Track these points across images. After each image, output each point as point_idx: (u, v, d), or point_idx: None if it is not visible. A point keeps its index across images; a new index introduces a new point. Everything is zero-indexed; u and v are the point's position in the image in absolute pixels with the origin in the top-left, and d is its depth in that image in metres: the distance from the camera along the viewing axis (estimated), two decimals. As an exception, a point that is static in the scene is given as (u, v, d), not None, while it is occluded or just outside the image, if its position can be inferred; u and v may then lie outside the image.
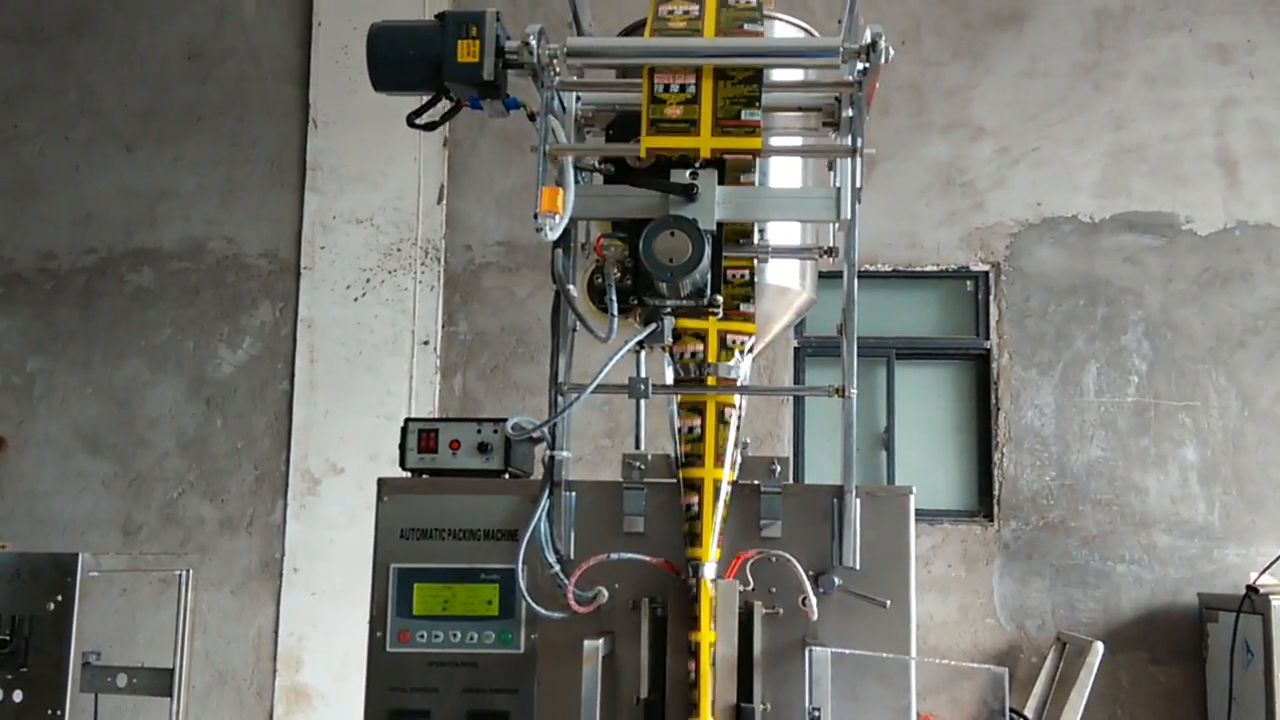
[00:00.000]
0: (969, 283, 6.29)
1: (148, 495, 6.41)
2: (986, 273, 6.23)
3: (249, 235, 6.53)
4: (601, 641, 2.31)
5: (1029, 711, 5.69)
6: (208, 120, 6.64)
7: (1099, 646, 5.25)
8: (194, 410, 6.43)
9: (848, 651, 2.31)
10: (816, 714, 2.22)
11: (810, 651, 2.27)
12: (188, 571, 5.60)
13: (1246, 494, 5.97)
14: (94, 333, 6.52)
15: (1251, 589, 5.32)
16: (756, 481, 2.49)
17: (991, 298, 6.20)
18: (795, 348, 6.26)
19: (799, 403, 6.23)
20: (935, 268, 6.26)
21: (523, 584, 2.42)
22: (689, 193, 2.21)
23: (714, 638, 2.32)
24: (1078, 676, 5.31)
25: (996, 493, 6.09)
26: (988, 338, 6.18)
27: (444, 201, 6.47)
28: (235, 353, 6.45)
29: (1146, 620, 5.94)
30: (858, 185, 2.29)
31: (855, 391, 2.39)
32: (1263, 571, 5.39)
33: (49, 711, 4.90)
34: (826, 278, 2.91)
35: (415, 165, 6.46)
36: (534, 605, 2.41)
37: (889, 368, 6.18)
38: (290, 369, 6.39)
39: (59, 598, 4.97)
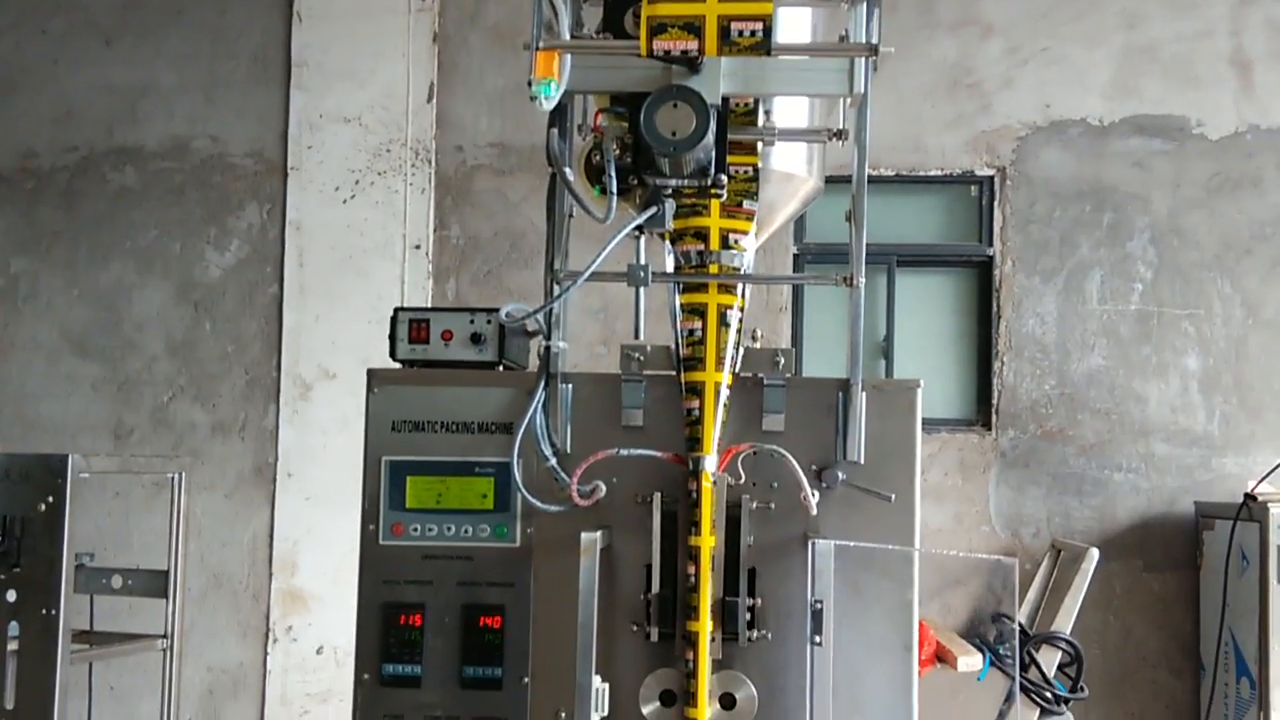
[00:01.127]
0: (973, 188, 6.16)
1: (138, 399, 6.34)
2: (992, 178, 6.10)
3: (234, 134, 6.37)
4: (600, 534, 2.26)
5: (1021, 618, 5.70)
6: (189, 13, 6.43)
7: (1094, 553, 5.24)
8: (182, 314, 6.33)
9: (851, 544, 2.26)
10: (819, 606, 2.17)
11: (813, 544, 2.22)
12: (180, 474, 5.55)
13: (1247, 403, 5.93)
14: (78, 234, 6.39)
15: (1249, 497, 5.30)
16: (760, 374, 2.41)
17: (996, 203, 6.08)
18: (794, 254, 6.16)
19: (798, 312, 6.15)
20: (939, 172, 6.13)
21: (518, 477, 2.36)
22: (693, 63, 2.09)
23: (714, 541, 2.27)
24: (1071, 582, 5.31)
25: (995, 401, 6.04)
26: (991, 244, 6.08)
27: (434, 100, 6.30)
28: (223, 255, 6.33)
29: (1142, 528, 5.93)
30: (874, 39, 2.18)
31: (864, 280, 2.30)
32: (1261, 480, 5.36)
33: (43, 611, 4.88)
34: (833, 182, 2.80)
35: (404, 61, 6.27)
36: (530, 499, 2.35)
37: (889, 275, 6.09)
38: (279, 272, 6.27)
39: (50, 499, 4.93)
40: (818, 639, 2.17)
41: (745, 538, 2.33)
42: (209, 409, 6.29)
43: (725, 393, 2.33)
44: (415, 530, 2.44)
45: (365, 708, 2.42)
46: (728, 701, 2.33)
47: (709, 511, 2.25)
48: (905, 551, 2.29)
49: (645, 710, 2.34)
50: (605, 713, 2.21)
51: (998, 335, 6.04)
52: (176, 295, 6.35)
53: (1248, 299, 5.94)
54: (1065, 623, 5.27)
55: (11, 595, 4.92)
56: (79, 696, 5.77)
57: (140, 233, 6.37)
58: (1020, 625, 5.52)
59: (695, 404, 2.28)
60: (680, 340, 2.35)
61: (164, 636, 5.47)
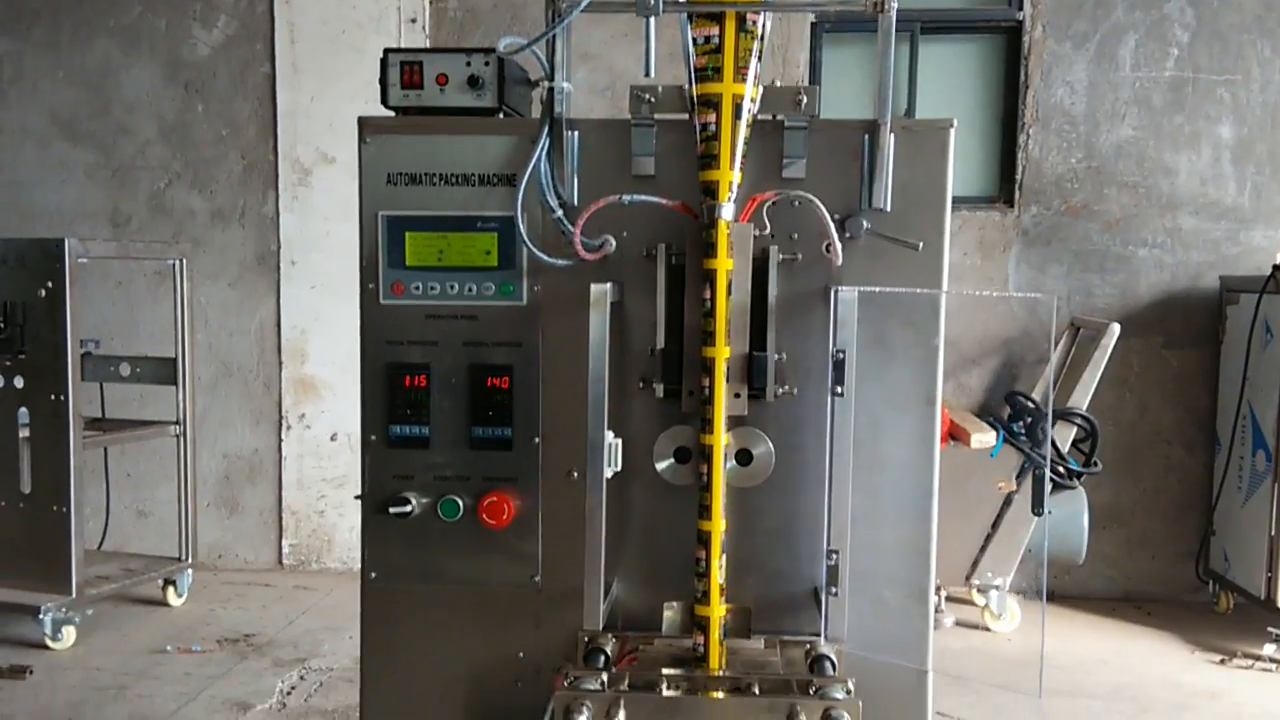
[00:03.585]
0: (1003, -54, 5.80)
1: (133, 186, 6.17)
2: (1022, -66, 5.72)
3: (216, -102, 5.98)
4: (609, 287, 2.13)
5: (1036, 395, 5.67)
6: None
7: (1115, 327, 5.15)
8: (172, 95, 6.09)
9: (876, 289, 2.14)
10: (840, 356, 2.07)
11: (836, 292, 2.09)
12: (181, 261, 5.45)
13: (1280, 174, 5.72)
14: (59, 11, 6.09)
15: (1278, 268, 5.16)
16: (780, 116, 2.23)
17: (1027, -38, 5.73)
18: (812, 23, 5.86)
19: (814, 68, 5.91)
20: (966, -70, 5.75)
21: (523, 231, 2.22)
22: None
23: (730, 265, 2.13)
24: (1090, 359, 5.24)
25: (1019, 177, 5.84)
26: (1021, 8, 5.75)
27: None
28: (210, 32, 6.03)
29: (1164, 304, 5.82)
30: None
31: (896, 4, 2.10)
32: (1291, 251, 5.22)
33: (52, 397, 4.87)
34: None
35: None
36: (536, 252, 2.22)
37: (913, 42, 5.79)
38: (270, 50, 5.99)
39: (49, 284, 4.85)
40: (839, 390, 2.07)
41: (772, 291, 2.21)
42: (207, 195, 6.13)
43: (750, 108, 2.13)
44: (417, 289, 2.33)
45: (374, 469, 2.37)
46: (744, 458, 2.26)
47: (724, 246, 2.10)
48: (932, 296, 2.17)
49: (660, 467, 2.28)
50: (618, 468, 2.14)
51: (1024, 106, 5.78)
52: (165, 76, 6.09)
53: (1288, 63, 5.65)
54: (1082, 399, 5.23)
55: (19, 381, 4.90)
56: (96, 483, 5.84)
57: (123, 10, 6.06)
58: (1035, 402, 5.48)
59: (711, 118, 2.11)
60: (694, 49, 2.12)
61: (176, 423, 5.49)
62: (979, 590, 5.45)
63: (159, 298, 6.08)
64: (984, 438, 5.04)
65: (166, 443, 5.68)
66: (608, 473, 2.09)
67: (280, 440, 6.23)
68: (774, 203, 2.21)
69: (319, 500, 6.27)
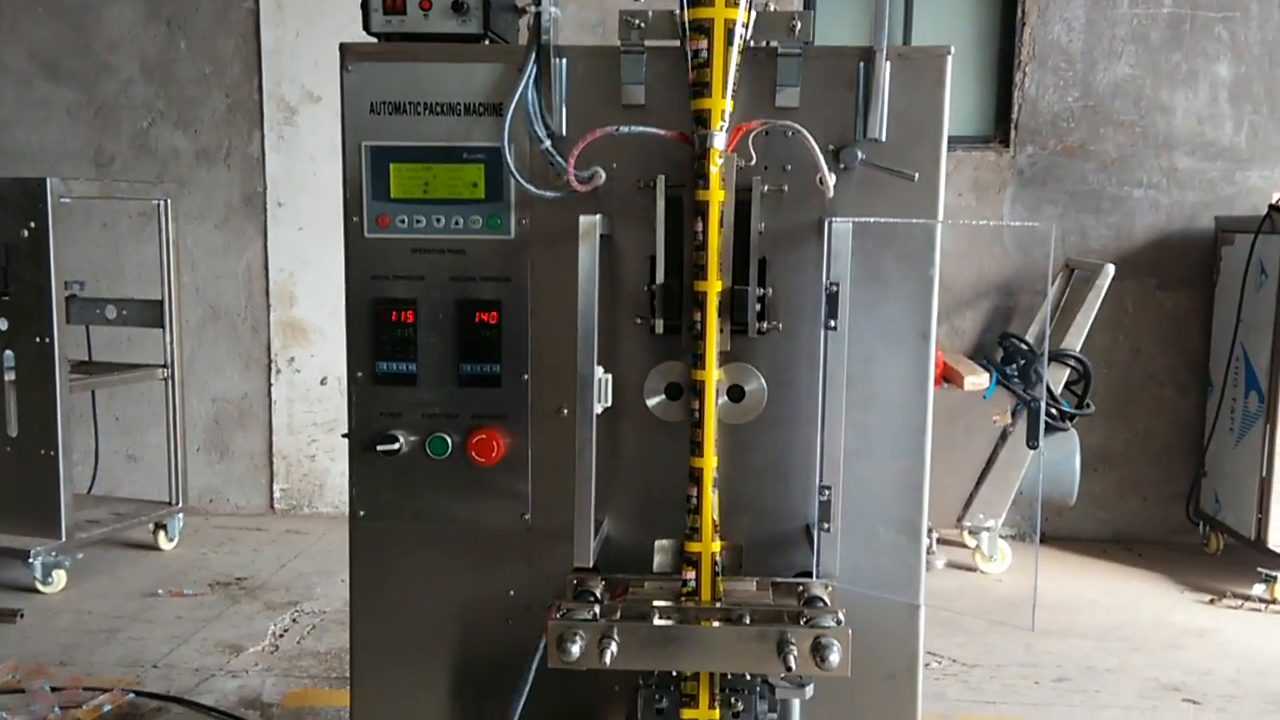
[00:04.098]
0: (1002, -125, 5.68)
1: (116, 125, 6.07)
2: None
3: None
4: (599, 218, 2.09)
5: (1029, 337, 5.64)
6: None
7: (1109, 268, 5.11)
8: (154, 32, 5.97)
9: (871, 220, 2.09)
10: (834, 289, 2.03)
11: (829, 224, 2.05)
12: (165, 201, 5.37)
13: (1278, 113, 5.65)
14: (34, -56, 5.96)
15: (1274, 208, 5.12)
16: (773, 43, 2.17)
17: (1025, -106, 5.62)
18: (805, -42, 5.76)
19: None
20: None
21: (511, 162, 2.17)
22: None
23: (723, 195, 2.08)
24: (1084, 300, 5.21)
25: (1015, 116, 5.77)
26: (1017, -58, 5.66)
27: None
28: (193, -34, 5.92)
29: (1159, 245, 5.78)
30: None
31: (892, -75, 2.04)
32: (1288, 191, 5.17)
33: (37, 339, 4.82)
34: None
35: None
36: (524, 184, 2.17)
37: (907, -23, 5.71)
38: (253, -16, 5.88)
39: (32, 224, 4.77)
40: (832, 323, 2.04)
41: (756, 224, 2.16)
42: (191, 135, 6.04)
43: (742, 34, 2.07)
44: (402, 222, 2.28)
45: (360, 405, 2.33)
46: (736, 394, 2.23)
47: (717, 180, 2.05)
48: (927, 227, 2.13)
49: (650, 403, 2.25)
50: (608, 403, 2.11)
51: (1021, 44, 5.70)
52: (147, 12, 5.97)
53: (1289, -1, 5.57)
54: (1075, 341, 5.20)
55: (3, 323, 4.84)
56: (84, 427, 5.80)
57: (100, -57, 5.94)
58: (1029, 344, 5.46)
59: (702, 44, 2.05)
60: None
61: (164, 366, 5.44)
62: (970, 532, 5.46)
63: (144, 239, 6.01)
64: (977, 380, 5.02)
65: (155, 387, 5.64)
66: (598, 408, 2.06)
67: (270, 384, 6.19)
68: (767, 133, 2.16)
69: (310, 445, 6.24)
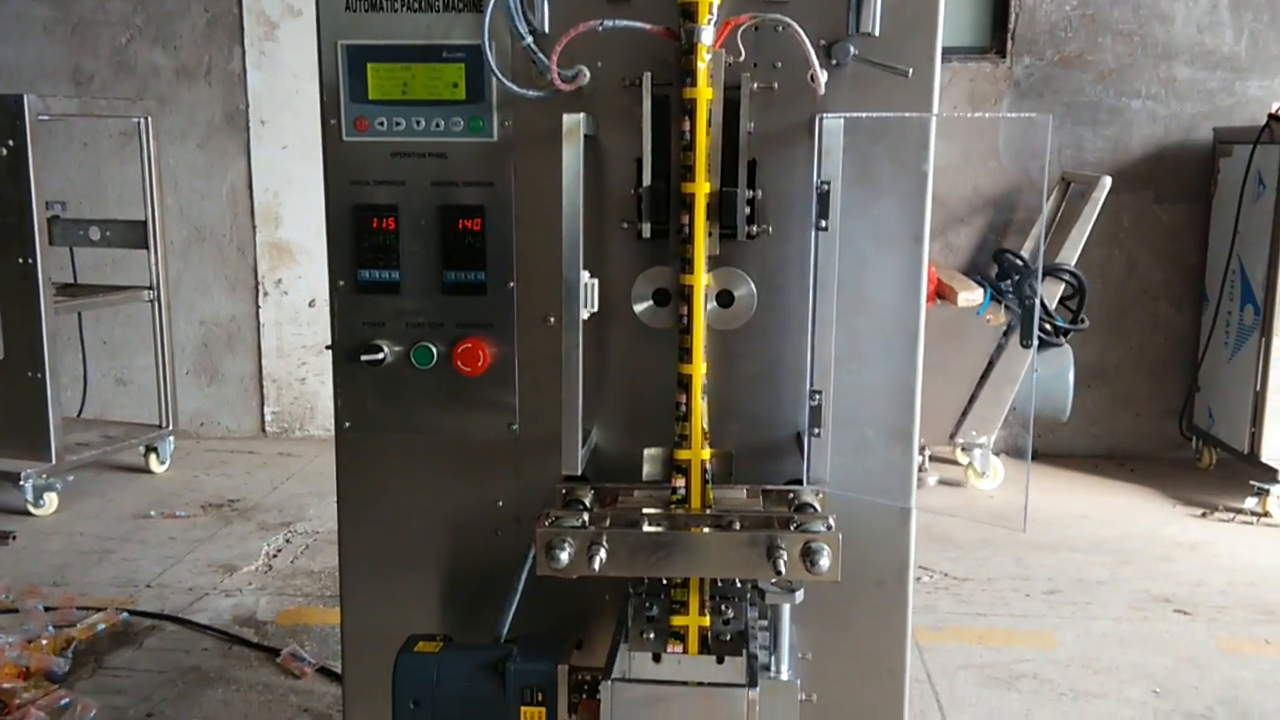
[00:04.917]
0: None
1: (94, 41, 5.94)
2: None
3: None
4: (583, 117, 2.02)
5: (1024, 252, 5.59)
6: None
7: (1106, 180, 5.04)
8: (130, -56, 5.83)
9: (863, 115, 2.03)
10: (825, 188, 1.97)
11: (820, 120, 1.99)
12: (146, 119, 5.28)
13: (1279, 21, 5.55)
14: None
15: (1273, 117, 5.04)
16: (762, -67, 2.09)
17: None
18: None
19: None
20: None
21: (492, 61, 2.09)
22: None
23: (711, 94, 2.01)
24: (1080, 214, 5.15)
25: (1012, 26, 5.66)
26: None
27: None
28: (166, -125, 5.74)
29: (1156, 158, 5.71)
30: None
31: None
32: (1288, 100, 5.09)
33: (19, 260, 4.76)
34: None
35: None
36: (506, 83, 2.10)
37: (902, -117, 5.54)
38: (232, -105, 5.72)
39: (10, 143, 4.69)
40: (823, 224, 1.98)
41: (745, 124, 2.10)
42: (170, 51, 5.91)
43: None
44: (381, 125, 2.21)
45: (343, 315, 2.28)
46: (725, 299, 2.18)
47: (705, 77, 1.99)
48: (921, 124, 2.07)
49: (638, 310, 2.20)
50: (595, 308, 2.06)
51: (1018, -49, 5.58)
52: (121, -76, 5.81)
53: (1294, -99, 5.44)
54: (1070, 255, 5.15)
55: (-16, 245, 4.77)
56: (72, 351, 5.76)
57: None
58: (1024, 259, 5.41)
59: None
60: None
61: (150, 288, 5.39)
62: (963, 449, 5.47)
63: (125, 159, 5.91)
64: (971, 296, 4.98)
65: (142, 310, 5.59)
66: (584, 314, 2.01)
67: (258, 307, 6.14)
68: (756, 28, 2.08)
69: (300, 368, 6.21)
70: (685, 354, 2.06)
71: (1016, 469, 5.55)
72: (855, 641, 2.27)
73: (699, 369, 2.05)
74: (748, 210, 2.13)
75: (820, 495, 2.07)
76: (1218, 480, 5.54)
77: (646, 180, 2.12)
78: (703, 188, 2.02)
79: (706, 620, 2.06)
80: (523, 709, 2.00)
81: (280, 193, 6.00)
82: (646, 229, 2.14)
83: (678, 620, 2.06)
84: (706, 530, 1.96)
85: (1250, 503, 5.09)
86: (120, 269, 5.90)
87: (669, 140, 2.10)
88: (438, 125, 2.21)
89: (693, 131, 2.00)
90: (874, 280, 2.17)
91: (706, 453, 2.07)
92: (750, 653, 1.98)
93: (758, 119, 2.14)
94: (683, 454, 2.08)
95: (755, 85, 2.11)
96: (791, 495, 2.09)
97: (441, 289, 2.26)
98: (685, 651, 2.06)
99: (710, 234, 2.08)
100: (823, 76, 2.05)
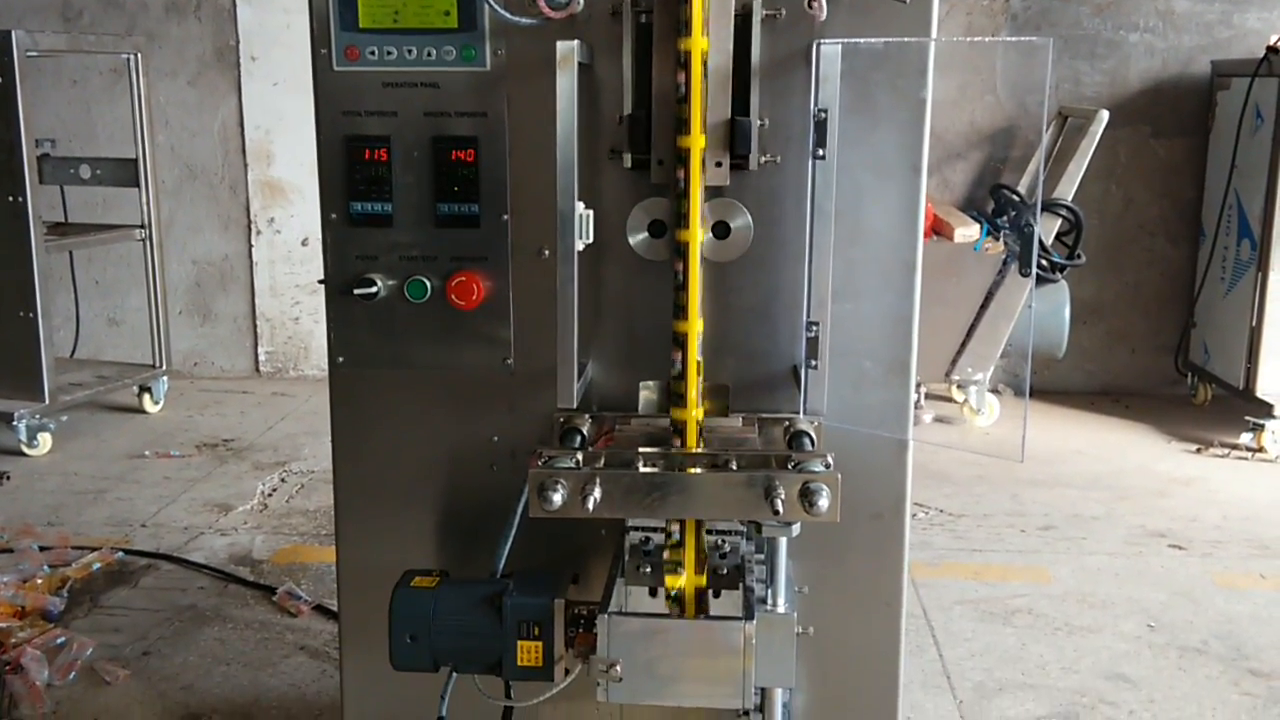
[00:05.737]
0: None
1: (78, -23, 5.84)
2: None
3: None
4: (577, 44, 1.98)
5: (1022, 188, 5.55)
6: None
7: (1103, 114, 5.00)
8: (112, -126, 5.70)
9: (861, 41, 2.00)
10: (823, 115, 1.94)
11: (818, 46, 1.95)
12: (136, 56, 5.20)
13: (1282, -49, 5.48)
14: None
15: (1271, 49, 4.98)
16: None
17: None
18: None
19: None
20: None
21: (483, -13, 2.05)
22: None
23: (706, 45, 1.99)
24: (1077, 148, 5.11)
25: (1010, -43, 5.57)
26: None
27: None
28: None
29: (1153, 92, 5.65)
30: None
31: None
32: (1288, 32, 5.03)
33: (9, 198, 4.71)
34: None
35: None
36: (498, 9, 2.06)
37: None
38: None
39: (-3, 79, 4.62)
40: (820, 152, 1.95)
41: (755, 51, 2.06)
42: (158, -15, 5.81)
43: None
44: (372, 54, 2.17)
45: (335, 249, 2.26)
46: (721, 230, 2.16)
47: (699, 34, 1.95)
48: (919, 50, 2.03)
49: (633, 241, 2.18)
50: (590, 239, 2.03)
51: (1018, -121, 5.47)
52: None
53: None
54: (1067, 190, 5.12)
55: (-28, 183, 4.72)
56: (64, 291, 5.73)
57: None
58: (1020, 195, 5.37)
59: None
60: None
61: (141, 226, 5.34)
62: (958, 386, 5.47)
63: (115, 97, 5.83)
64: (967, 231, 4.95)
65: (134, 249, 5.54)
66: (579, 245, 1.99)
67: (250, 246, 6.10)
68: (754, -47, 2.04)
69: (294, 307, 6.18)
70: (680, 311, 2.03)
71: (1012, 406, 5.56)
72: (852, 575, 2.27)
73: (695, 327, 2.03)
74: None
75: (816, 424, 2.06)
76: (1213, 416, 5.55)
77: (627, 109, 2.09)
78: (698, 142, 1.98)
79: (704, 580, 2.05)
80: (519, 643, 2.00)
81: (272, 130, 5.93)
82: (627, 159, 2.12)
83: (673, 554, 2.06)
84: (702, 471, 1.95)
85: (1245, 438, 5.11)
86: (112, 208, 5.85)
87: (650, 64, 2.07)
88: (429, 54, 2.17)
89: (688, 84, 1.96)
90: (872, 211, 2.14)
91: (701, 412, 2.06)
92: (747, 586, 1.98)
93: (761, 46, 2.11)
94: (678, 413, 2.06)
95: (765, 13, 2.07)
96: (787, 424, 2.09)
97: (435, 221, 2.23)
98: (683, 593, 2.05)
99: (719, 164, 2.06)
100: (823, 1, 2.01)
